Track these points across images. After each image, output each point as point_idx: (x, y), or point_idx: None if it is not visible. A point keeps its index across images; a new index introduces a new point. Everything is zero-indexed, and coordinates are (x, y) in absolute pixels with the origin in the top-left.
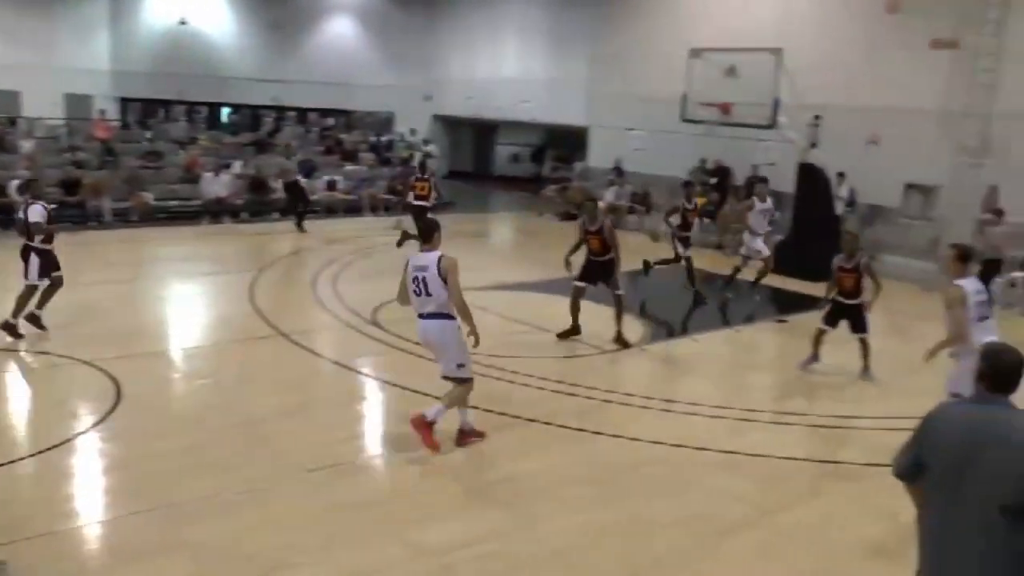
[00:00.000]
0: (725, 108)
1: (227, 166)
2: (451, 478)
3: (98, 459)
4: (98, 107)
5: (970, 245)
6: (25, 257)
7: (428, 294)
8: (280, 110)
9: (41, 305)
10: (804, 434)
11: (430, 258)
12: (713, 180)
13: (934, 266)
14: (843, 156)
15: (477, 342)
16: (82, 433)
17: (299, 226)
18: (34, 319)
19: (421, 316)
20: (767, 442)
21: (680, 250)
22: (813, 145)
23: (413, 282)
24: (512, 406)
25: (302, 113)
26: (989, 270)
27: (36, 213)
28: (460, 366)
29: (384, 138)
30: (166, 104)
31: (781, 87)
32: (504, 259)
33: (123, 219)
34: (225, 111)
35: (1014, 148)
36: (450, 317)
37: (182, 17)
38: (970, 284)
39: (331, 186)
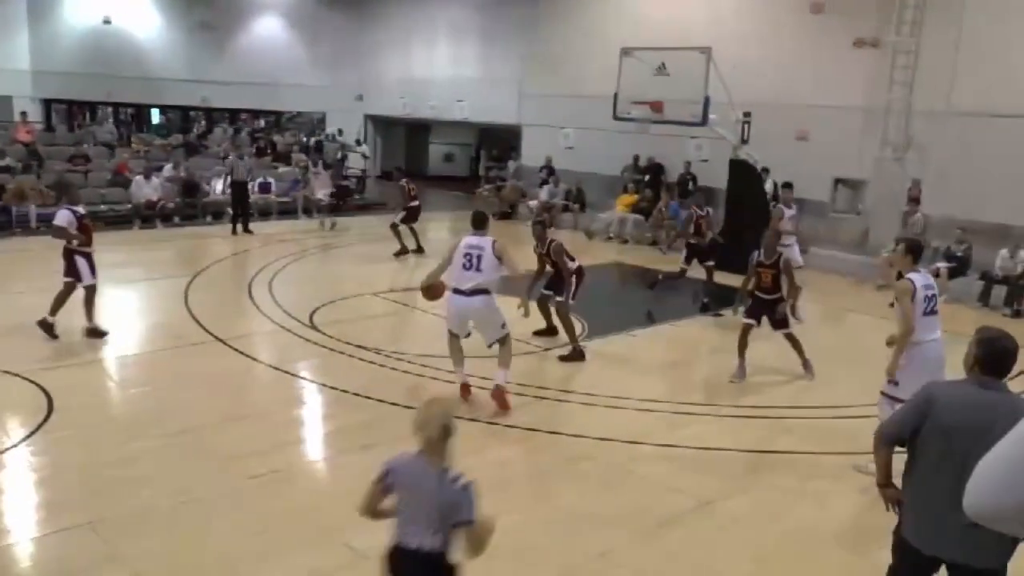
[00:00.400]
0: (657, 106)
1: (158, 169)
2: None
3: (29, 473)
4: (19, 109)
5: (918, 239)
6: (69, 260)
7: (479, 270)
8: (210, 111)
9: (55, 311)
10: (741, 425)
11: (485, 240)
12: (646, 177)
13: (865, 258)
14: (773, 152)
15: (527, 314)
16: (12, 447)
17: (245, 228)
18: (47, 326)
19: (460, 292)
20: (705, 434)
21: (684, 263)
22: (744, 142)
23: (465, 257)
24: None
25: (232, 114)
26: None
27: (61, 218)
28: (503, 326)
29: (315, 139)
30: (92, 106)
31: (711, 85)
32: (441, 259)
33: (50, 225)
34: (155, 112)
35: (932, 143)
36: (488, 292)
37: (106, 16)
38: (919, 278)
39: (265, 188)
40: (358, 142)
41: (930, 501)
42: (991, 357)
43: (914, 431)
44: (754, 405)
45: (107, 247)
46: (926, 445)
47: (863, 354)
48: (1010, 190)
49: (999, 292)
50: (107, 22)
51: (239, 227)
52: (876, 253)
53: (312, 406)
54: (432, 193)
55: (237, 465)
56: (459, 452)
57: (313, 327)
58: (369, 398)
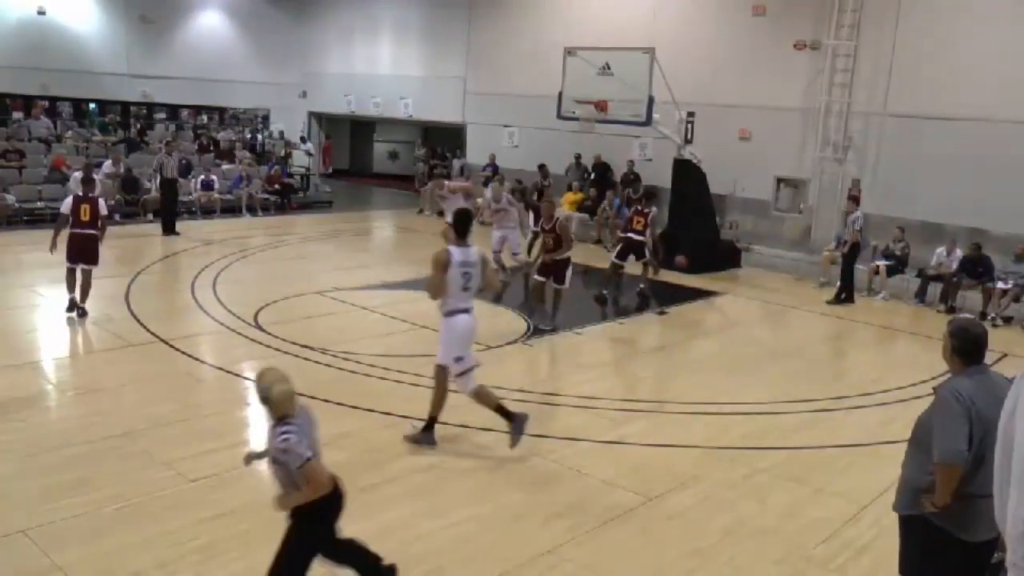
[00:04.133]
0: (601, 106)
1: (98, 165)
2: None
3: None
4: None
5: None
6: None
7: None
8: (151, 107)
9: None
10: (683, 421)
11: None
12: (593, 175)
13: (806, 256)
14: (716, 152)
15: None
16: None
17: (172, 228)
18: None
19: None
20: (647, 431)
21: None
22: (688, 141)
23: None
24: (395, 405)
25: (173, 110)
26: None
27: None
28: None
29: (259, 136)
30: (26, 100)
31: (655, 85)
32: (387, 257)
33: None
34: (92, 107)
35: (870, 144)
36: None
37: (40, 6)
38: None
39: (207, 186)
40: (303, 139)
41: (978, 491)
42: (972, 345)
43: (969, 438)
44: (698, 401)
45: (43, 245)
46: (974, 439)
47: (804, 350)
48: (944, 190)
49: (935, 289)
50: (41, 13)
51: (173, 225)
52: (818, 251)
53: (256, 407)
54: (377, 191)
55: (179, 468)
56: (404, 452)
57: (258, 327)
58: (315, 398)
